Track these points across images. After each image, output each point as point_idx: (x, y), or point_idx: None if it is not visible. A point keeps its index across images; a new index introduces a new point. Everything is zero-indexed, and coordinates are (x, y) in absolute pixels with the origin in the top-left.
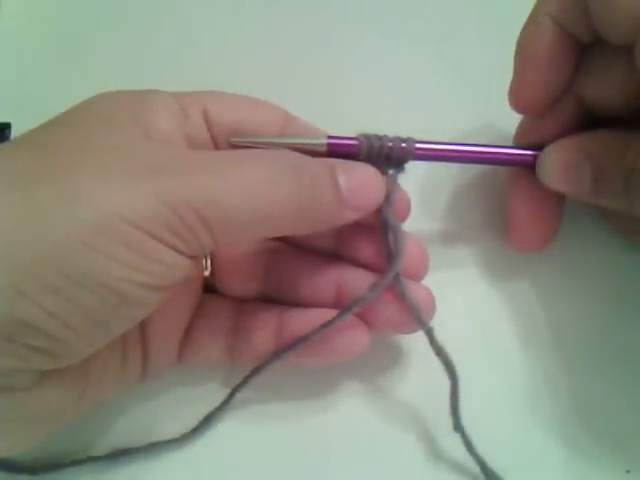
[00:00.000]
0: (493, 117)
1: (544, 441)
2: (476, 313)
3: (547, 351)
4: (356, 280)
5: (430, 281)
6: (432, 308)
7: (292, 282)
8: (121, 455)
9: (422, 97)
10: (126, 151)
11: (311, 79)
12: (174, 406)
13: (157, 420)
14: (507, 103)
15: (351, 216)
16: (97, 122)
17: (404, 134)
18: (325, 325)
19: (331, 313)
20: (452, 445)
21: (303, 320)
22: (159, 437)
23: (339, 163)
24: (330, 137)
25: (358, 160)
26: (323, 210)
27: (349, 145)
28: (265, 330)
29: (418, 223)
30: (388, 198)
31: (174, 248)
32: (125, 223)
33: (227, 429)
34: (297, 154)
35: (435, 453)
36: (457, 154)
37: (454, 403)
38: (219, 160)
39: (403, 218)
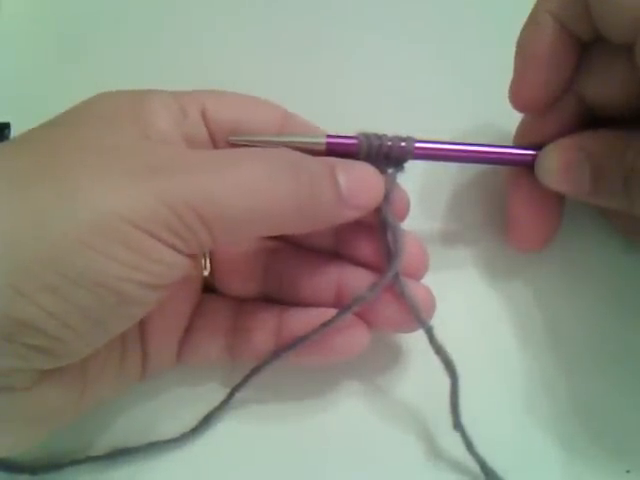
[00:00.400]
0: (493, 116)
1: (544, 441)
2: (476, 313)
3: (546, 351)
4: (356, 279)
5: (430, 281)
6: (432, 307)
7: (292, 281)
8: (120, 455)
9: (422, 97)
10: (125, 151)
11: (311, 79)
12: (174, 406)
13: (157, 420)
14: (507, 102)
15: (351, 215)
16: (97, 122)
17: (404, 134)
18: (325, 324)
19: (331, 312)
20: (452, 444)
21: (303, 319)
22: (158, 437)
23: (338, 162)
24: (329, 136)
25: (357, 159)
26: (322, 209)
27: (348, 144)
28: (264, 329)
29: (418, 223)
30: (387, 197)
31: (173, 247)
32: (124, 222)
33: (227, 429)
34: (296, 153)
35: (435, 452)
36: (457, 153)
37: (454, 402)
38: (218, 159)
39: (402, 217)
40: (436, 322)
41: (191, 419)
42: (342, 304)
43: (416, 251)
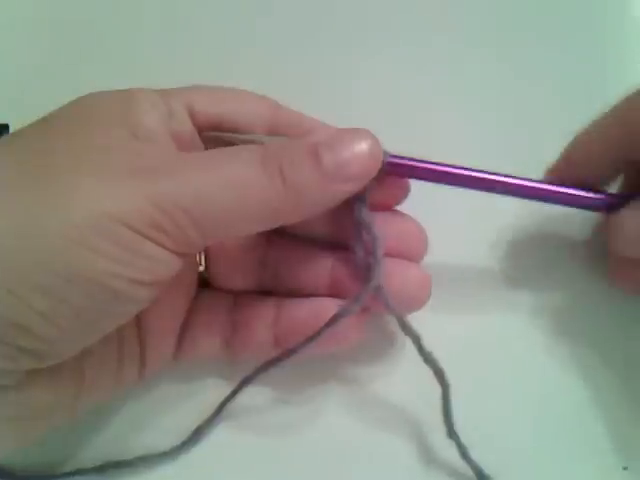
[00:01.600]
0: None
1: (539, 440)
2: (471, 316)
3: (541, 352)
4: (350, 267)
5: None
6: (425, 294)
7: (286, 272)
8: (111, 468)
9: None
10: (115, 151)
11: (313, 78)
12: (168, 416)
13: (150, 430)
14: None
15: (346, 188)
16: (86, 122)
17: (409, 137)
18: (311, 338)
19: (326, 302)
20: (449, 451)
21: (299, 310)
22: (152, 448)
23: (324, 137)
24: None
25: None
26: (309, 193)
27: None
28: (261, 322)
29: None
30: (362, 197)
31: (163, 246)
32: (113, 221)
33: (220, 440)
34: (278, 144)
35: (431, 459)
36: (436, 175)
37: (446, 410)
38: (205, 159)
39: (395, 202)
40: (427, 321)
41: (186, 428)
42: (337, 291)
43: (413, 231)
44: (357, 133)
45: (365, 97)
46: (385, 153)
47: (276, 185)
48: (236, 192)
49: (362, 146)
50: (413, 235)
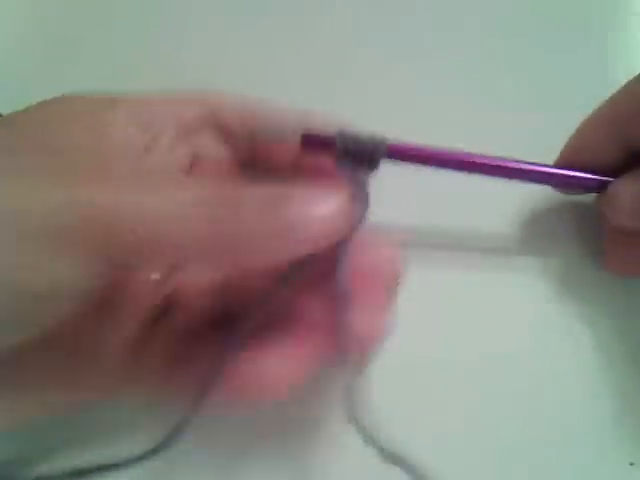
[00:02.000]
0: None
1: (546, 435)
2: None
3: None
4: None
5: None
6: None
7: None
8: (73, 476)
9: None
10: (63, 155)
11: (314, 80)
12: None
13: (116, 438)
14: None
15: (304, 247)
16: (51, 121)
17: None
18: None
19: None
20: None
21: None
22: (118, 455)
23: (295, 191)
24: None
25: (334, 156)
26: (259, 246)
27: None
28: (205, 358)
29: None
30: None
31: (74, 260)
32: (31, 228)
33: (189, 444)
34: (239, 187)
35: None
36: (437, 162)
37: (349, 388)
38: (154, 183)
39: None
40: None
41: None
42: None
43: (387, 259)
44: (332, 192)
45: (364, 89)
46: (383, 142)
47: (221, 224)
48: (172, 218)
49: (331, 208)
50: (386, 265)
